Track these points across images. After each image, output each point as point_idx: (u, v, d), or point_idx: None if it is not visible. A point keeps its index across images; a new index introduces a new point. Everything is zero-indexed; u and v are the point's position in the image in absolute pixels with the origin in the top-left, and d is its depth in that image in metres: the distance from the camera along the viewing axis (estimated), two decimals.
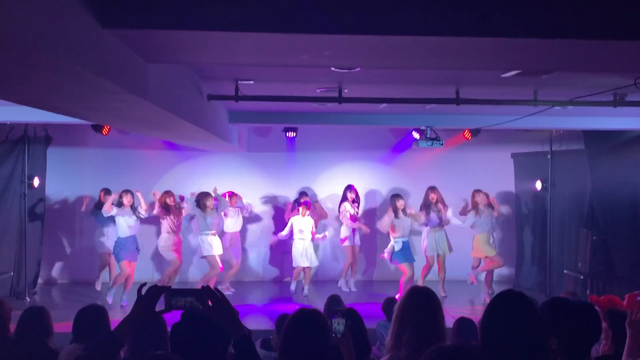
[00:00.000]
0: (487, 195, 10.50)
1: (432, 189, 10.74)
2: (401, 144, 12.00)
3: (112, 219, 10.03)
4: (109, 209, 9.75)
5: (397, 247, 10.22)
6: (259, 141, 12.11)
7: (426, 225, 10.57)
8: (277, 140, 11.76)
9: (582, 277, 9.89)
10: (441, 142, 9.95)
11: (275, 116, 9.71)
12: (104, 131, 10.09)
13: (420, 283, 10.61)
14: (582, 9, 3.42)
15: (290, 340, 2.75)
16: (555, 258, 10.97)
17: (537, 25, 3.47)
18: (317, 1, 3.34)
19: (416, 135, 10.46)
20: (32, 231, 10.55)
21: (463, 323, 5.05)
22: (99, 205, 10.43)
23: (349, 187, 11.22)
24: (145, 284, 2.56)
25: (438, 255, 10.61)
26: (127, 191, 9.93)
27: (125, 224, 9.76)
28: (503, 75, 5.96)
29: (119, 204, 9.80)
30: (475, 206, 10.39)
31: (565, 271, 10.53)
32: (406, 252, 10.28)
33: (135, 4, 3.25)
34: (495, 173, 12.00)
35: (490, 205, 10.45)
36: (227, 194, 10.99)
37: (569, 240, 10.67)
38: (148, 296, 2.47)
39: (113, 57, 3.61)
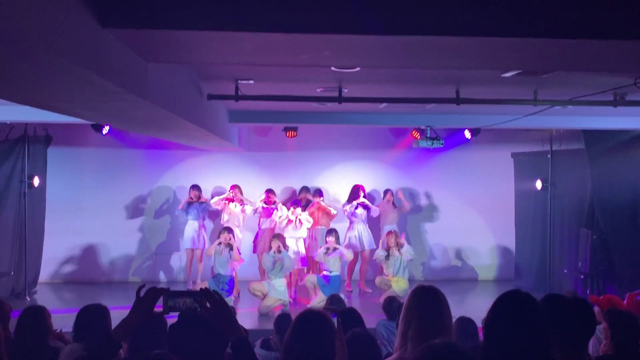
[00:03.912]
0: (396, 236, 10.02)
1: (359, 187, 11.09)
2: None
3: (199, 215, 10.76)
4: (210, 253, 9.64)
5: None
6: (259, 140, 12.10)
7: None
8: (277, 139, 11.75)
9: (582, 277, 9.89)
10: (441, 142, 9.93)
11: (275, 116, 9.69)
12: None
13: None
14: (582, 9, 3.41)
15: (296, 341, 2.73)
16: (555, 258, 10.96)
17: (538, 25, 3.47)
18: (317, 1, 3.34)
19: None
20: (33, 231, 10.54)
21: (463, 322, 5.05)
22: (190, 202, 10.90)
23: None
24: (143, 285, 2.56)
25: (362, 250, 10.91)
26: (226, 229, 9.68)
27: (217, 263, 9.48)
28: (503, 75, 5.96)
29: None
30: (387, 247, 9.94)
31: (565, 271, 10.53)
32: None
33: (135, 4, 3.25)
34: (496, 173, 12.00)
35: (399, 246, 9.90)
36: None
37: (569, 240, 10.66)
38: (146, 298, 2.47)
39: (113, 57, 3.61)
